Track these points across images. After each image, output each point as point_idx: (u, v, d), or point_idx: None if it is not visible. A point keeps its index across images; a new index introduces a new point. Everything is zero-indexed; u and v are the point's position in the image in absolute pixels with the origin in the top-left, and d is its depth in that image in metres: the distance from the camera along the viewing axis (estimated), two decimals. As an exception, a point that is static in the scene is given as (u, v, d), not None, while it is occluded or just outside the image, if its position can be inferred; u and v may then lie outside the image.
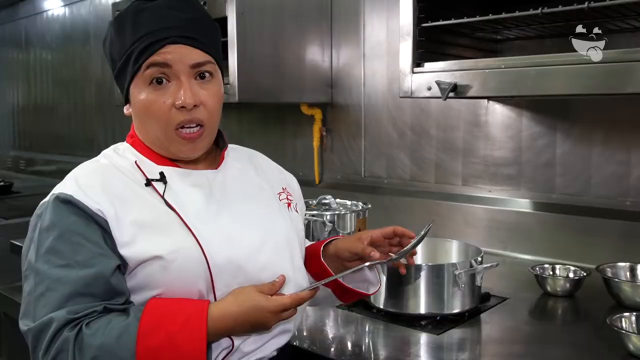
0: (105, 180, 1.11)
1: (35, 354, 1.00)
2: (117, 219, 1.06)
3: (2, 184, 4.13)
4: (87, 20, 4.20)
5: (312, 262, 1.30)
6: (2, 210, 3.34)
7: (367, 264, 1.23)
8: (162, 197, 1.12)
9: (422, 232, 1.27)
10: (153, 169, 1.16)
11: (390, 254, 1.28)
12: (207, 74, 1.15)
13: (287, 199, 1.32)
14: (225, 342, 1.09)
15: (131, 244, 1.06)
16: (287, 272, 1.16)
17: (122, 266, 1.07)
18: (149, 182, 1.13)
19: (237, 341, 1.10)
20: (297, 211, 1.33)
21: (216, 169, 1.23)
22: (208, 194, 1.17)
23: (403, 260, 1.33)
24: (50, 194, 1.10)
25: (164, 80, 1.12)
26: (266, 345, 1.16)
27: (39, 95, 4.92)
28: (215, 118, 1.18)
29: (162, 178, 1.14)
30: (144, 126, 1.17)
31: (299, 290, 1.15)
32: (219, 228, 1.13)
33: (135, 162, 1.17)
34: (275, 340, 1.17)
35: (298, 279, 1.20)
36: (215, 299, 1.09)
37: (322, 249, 1.29)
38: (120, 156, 1.19)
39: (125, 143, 1.23)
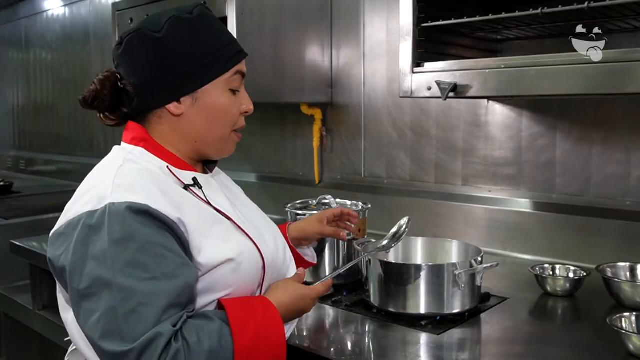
0: (160, 187, 1.08)
1: None
2: (187, 226, 1.07)
3: (2, 184, 4.11)
4: (87, 20, 4.20)
5: None
6: (2, 210, 3.32)
7: (361, 257, 1.55)
8: (208, 202, 1.14)
9: (399, 230, 1.57)
10: (182, 174, 1.16)
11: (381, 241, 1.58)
12: None
13: None
14: None
15: (202, 250, 1.08)
16: (293, 264, 1.29)
17: None
18: (186, 187, 1.14)
19: None
20: None
21: (210, 173, 1.28)
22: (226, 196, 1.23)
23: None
24: (106, 203, 1.02)
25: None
26: (289, 328, 1.24)
27: (39, 95, 4.92)
28: None
29: (196, 182, 1.15)
30: (208, 125, 1.18)
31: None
32: (254, 228, 1.20)
33: (168, 167, 1.15)
34: (293, 322, 1.26)
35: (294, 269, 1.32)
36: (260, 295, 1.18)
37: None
38: (145, 161, 1.14)
39: (136, 147, 1.16)
